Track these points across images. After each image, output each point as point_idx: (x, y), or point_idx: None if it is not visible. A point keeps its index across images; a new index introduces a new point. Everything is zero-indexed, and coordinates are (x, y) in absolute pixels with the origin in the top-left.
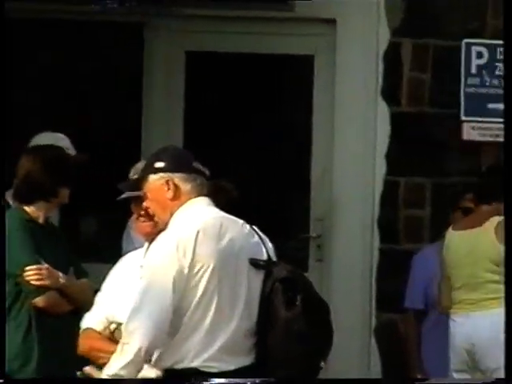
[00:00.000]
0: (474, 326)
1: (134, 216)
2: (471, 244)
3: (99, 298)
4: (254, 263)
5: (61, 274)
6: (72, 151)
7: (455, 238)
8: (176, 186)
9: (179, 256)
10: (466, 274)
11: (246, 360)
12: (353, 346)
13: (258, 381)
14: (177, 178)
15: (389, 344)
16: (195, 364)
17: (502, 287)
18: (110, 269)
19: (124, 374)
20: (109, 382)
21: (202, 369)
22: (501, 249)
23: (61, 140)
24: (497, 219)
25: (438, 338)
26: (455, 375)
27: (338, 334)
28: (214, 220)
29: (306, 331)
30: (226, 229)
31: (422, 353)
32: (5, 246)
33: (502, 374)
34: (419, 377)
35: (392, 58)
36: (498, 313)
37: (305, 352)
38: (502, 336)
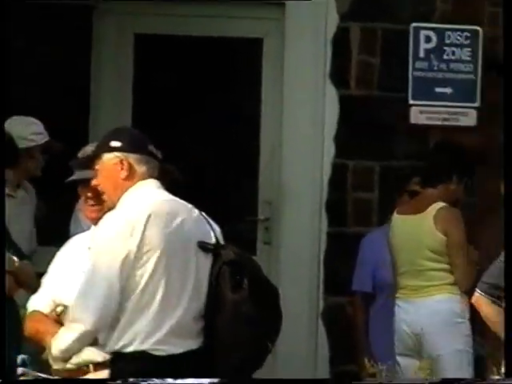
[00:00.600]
0: (417, 312)
1: (82, 199)
2: (412, 230)
3: (46, 281)
4: (203, 246)
5: (15, 258)
6: (45, 136)
7: (399, 222)
8: (130, 167)
9: (127, 237)
10: (407, 260)
11: (194, 343)
12: (300, 329)
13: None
14: (132, 158)
15: (336, 327)
16: (144, 347)
17: (444, 274)
18: (57, 251)
19: (69, 349)
20: (109, 382)
21: (150, 352)
22: (439, 237)
23: (32, 124)
24: (438, 206)
25: (385, 320)
26: (400, 359)
27: (286, 316)
28: (164, 203)
29: (253, 314)
30: (176, 212)
31: (369, 336)
32: (5, 244)
33: (446, 360)
34: (366, 359)
35: (341, 41)
36: (440, 299)
37: (253, 335)
38: (445, 322)
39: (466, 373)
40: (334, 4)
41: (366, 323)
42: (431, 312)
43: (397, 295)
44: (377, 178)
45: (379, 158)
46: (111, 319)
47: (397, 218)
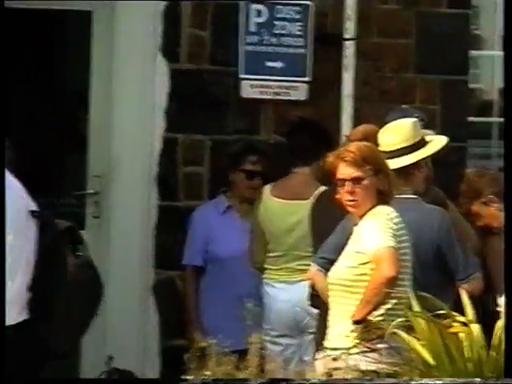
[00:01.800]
0: (296, 292)
1: None
2: (296, 217)
3: None
4: (36, 215)
5: None
6: None
7: (275, 205)
8: None
9: None
10: (288, 244)
11: (28, 313)
12: (131, 302)
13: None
14: None
15: (167, 301)
16: None
17: None
18: None
19: None
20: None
21: None
22: None
23: None
24: (319, 192)
25: (216, 294)
26: (281, 340)
27: (117, 290)
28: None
29: (93, 278)
30: (10, 185)
31: (200, 309)
32: (5, 241)
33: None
34: (196, 333)
35: (171, 15)
36: None
37: (91, 299)
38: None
39: None
40: None
41: (196, 297)
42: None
43: (272, 276)
44: (207, 153)
45: (210, 132)
46: None
47: (272, 200)
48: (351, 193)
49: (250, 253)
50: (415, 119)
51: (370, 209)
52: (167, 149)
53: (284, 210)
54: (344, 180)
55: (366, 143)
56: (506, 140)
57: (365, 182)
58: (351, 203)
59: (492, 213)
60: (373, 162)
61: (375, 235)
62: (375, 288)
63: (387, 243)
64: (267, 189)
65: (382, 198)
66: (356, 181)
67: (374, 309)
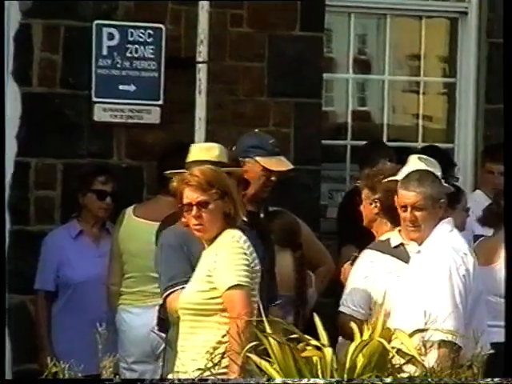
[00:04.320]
0: (151, 317)
1: None
2: (149, 236)
3: None
4: None
5: None
6: None
7: (136, 225)
8: None
9: None
10: (143, 265)
11: None
12: None
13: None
14: None
15: (19, 326)
16: None
17: None
18: None
19: None
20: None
21: None
22: None
23: None
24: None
25: (68, 319)
26: (137, 366)
27: None
28: None
29: None
30: None
31: (52, 334)
32: (5, 241)
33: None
34: (49, 358)
35: (22, 38)
36: None
37: None
38: None
39: None
40: (15, 1)
41: (48, 322)
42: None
43: (127, 301)
44: (60, 177)
45: (62, 157)
46: None
47: (134, 220)
48: (197, 217)
49: (108, 273)
50: None
51: (219, 233)
52: (19, 173)
53: (144, 230)
54: (190, 204)
55: (210, 166)
56: (506, 140)
57: (211, 206)
58: (198, 227)
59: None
60: (218, 186)
61: (225, 271)
62: (234, 332)
63: (238, 281)
64: (130, 209)
65: (229, 221)
66: (202, 205)
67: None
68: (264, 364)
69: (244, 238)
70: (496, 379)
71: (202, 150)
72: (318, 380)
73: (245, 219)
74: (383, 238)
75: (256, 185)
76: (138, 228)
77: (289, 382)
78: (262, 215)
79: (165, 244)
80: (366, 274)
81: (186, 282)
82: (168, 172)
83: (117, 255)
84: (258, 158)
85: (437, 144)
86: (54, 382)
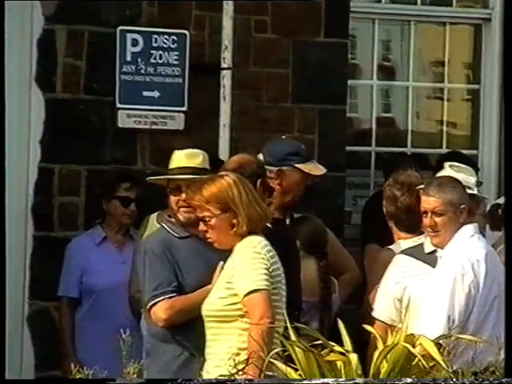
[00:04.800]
0: None
1: None
2: None
3: None
4: None
5: None
6: None
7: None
8: None
9: None
10: None
11: None
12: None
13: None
14: None
15: (42, 332)
16: None
17: None
18: None
19: None
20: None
21: None
22: None
23: None
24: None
25: (92, 325)
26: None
27: None
28: None
29: None
30: None
31: (76, 341)
32: (5, 240)
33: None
34: (72, 365)
35: (46, 44)
36: None
37: None
38: None
39: None
40: (39, 6)
41: (71, 328)
42: None
43: None
44: (83, 183)
45: (86, 163)
46: None
47: (155, 226)
48: (204, 231)
49: (130, 280)
50: None
51: (239, 240)
52: (43, 179)
53: None
54: (198, 218)
55: (209, 182)
56: (506, 140)
57: (212, 222)
58: (209, 240)
59: None
60: (217, 201)
61: (243, 277)
62: (256, 336)
63: (257, 286)
64: (153, 216)
65: (237, 230)
66: (205, 220)
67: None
68: (289, 371)
69: (264, 242)
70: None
71: (186, 157)
72: (339, 380)
73: (269, 225)
74: (417, 242)
75: (296, 191)
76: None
77: (311, 382)
78: (288, 222)
79: (148, 250)
80: (398, 280)
81: (171, 291)
82: (150, 178)
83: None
84: (297, 165)
85: (461, 150)
86: (55, 383)
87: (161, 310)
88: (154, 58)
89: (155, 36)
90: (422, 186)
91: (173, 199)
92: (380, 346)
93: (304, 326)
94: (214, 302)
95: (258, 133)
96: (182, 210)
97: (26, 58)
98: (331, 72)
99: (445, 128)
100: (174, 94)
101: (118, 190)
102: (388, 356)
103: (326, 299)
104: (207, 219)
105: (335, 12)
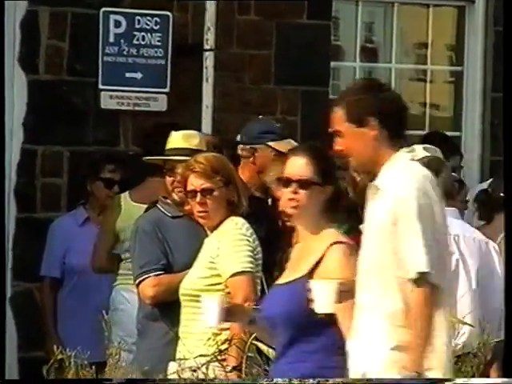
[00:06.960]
0: None
1: None
2: None
3: None
4: None
5: None
6: None
7: (136, 211)
8: None
9: None
10: None
11: None
12: None
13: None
14: None
15: (24, 313)
16: None
17: None
18: None
19: None
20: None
21: None
22: None
23: None
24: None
25: (74, 306)
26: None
27: None
28: None
29: None
30: None
31: (58, 321)
32: (5, 240)
33: None
34: (55, 345)
35: (29, 25)
36: None
37: None
38: None
39: None
40: None
41: (54, 308)
42: None
43: (128, 281)
44: (66, 164)
45: (69, 144)
46: None
47: (135, 206)
48: (202, 204)
49: (95, 257)
50: None
51: (222, 221)
52: (26, 160)
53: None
54: (195, 191)
55: (215, 154)
56: (506, 138)
57: (215, 193)
58: (202, 214)
59: None
60: (222, 173)
61: (229, 258)
62: None
63: (243, 268)
64: (125, 195)
65: (233, 208)
66: (206, 192)
67: None
68: (271, 352)
69: (247, 225)
70: None
71: (182, 138)
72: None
73: (248, 207)
74: None
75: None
76: (137, 213)
77: (295, 382)
78: (269, 202)
79: (139, 229)
80: None
81: (159, 268)
82: (146, 158)
83: (108, 238)
84: (270, 143)
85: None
86: (55, 382)
87: (148, 287)
88: (137, 40)
89: (138, 17)
90: None
91: (168, 180)
92: None
93: None
94: (193, 281)
95: (240, 114)
96: (176, 189)
97: (9, 39)
98: (314, 54)
99: (428, 110)
100: (156, 76)
101: (102, 171)
102: None
103: None
104: (211, 190)
105: None
